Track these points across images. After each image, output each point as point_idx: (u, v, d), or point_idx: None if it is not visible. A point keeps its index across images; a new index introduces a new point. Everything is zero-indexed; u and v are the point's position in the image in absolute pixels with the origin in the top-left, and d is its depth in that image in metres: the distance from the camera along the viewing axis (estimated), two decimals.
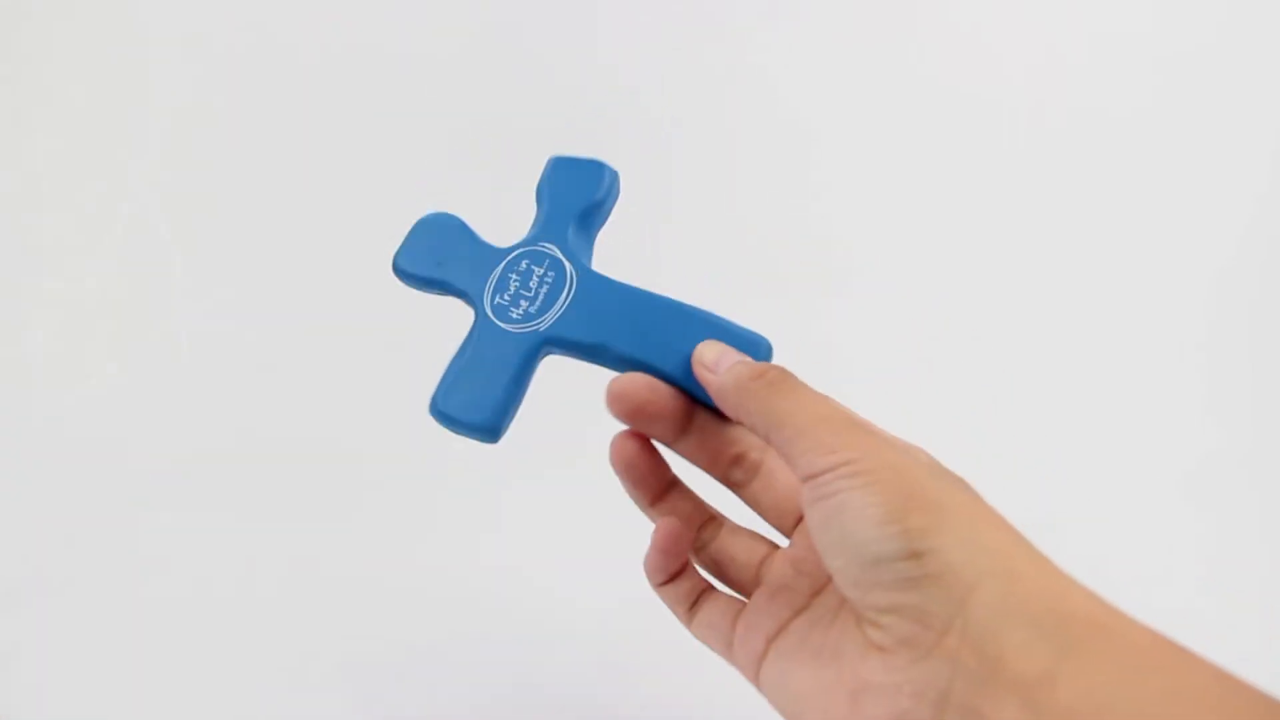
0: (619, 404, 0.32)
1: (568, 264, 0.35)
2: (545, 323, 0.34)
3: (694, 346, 0.32)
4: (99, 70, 0.83)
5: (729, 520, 0.35)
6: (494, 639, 0.50)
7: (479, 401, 0.33)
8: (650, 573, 0.33)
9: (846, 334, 0.75)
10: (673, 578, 0.33)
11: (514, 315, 0.34)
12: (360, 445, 0.68)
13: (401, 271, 0.36)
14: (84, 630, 0.52)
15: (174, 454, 0.69)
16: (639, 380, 0.32)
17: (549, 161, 0.37)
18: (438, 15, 0.83)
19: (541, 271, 0.35)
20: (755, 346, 0.32)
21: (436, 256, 0.36)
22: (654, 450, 0.34)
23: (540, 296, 0.34)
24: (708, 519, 0.34)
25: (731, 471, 0.33)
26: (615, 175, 0.36)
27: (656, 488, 0.34)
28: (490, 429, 0.33)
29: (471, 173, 0.79)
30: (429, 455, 0.65)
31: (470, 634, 0.50)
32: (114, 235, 0.80)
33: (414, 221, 0.37)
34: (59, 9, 0.83)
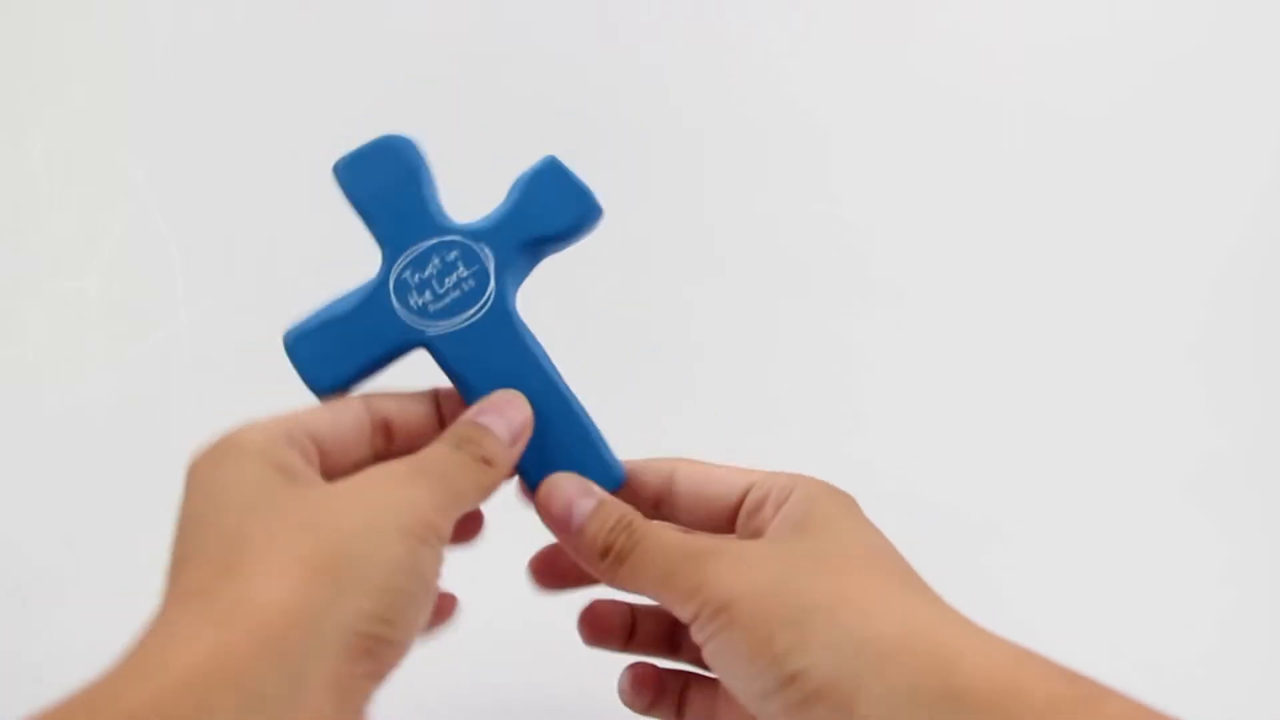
0: (586, 630, 0.34)
1: (492, 285, 0.32)
2: (435, 329, 0.31)
3: (553, 452, 0.31)
4: (99, 70, 0.83)
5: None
6: (482, 658, 0.50)
7: (328, 361, 0.32)
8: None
9: (864, 334, 0.75)
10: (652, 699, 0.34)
11: (411, 302, 0.32)
12: None
13: (339, 177, 0.33)
14: (84, 631, 0.52)
15: (174, 454, 0.69)
16: (606, 611, 0.34)
17: (546, 161, 0.33)
18: (455, 15, 0.83)
19: (464, 275, 0.32)
20: (607, 475, 0.32)
21: (377, 186, 0.33)
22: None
23: (447, 299, 0.32)
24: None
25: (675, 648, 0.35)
26: (598, 217, 0.33)
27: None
28: (321, 391, 0.32)
29: (480, 174, 0.79)
30: None
31: (456, 650, 0.50)
32: (114, 235, 0.80)
33: (381, 135, 0.33)
34: (60, 8, 0.83)
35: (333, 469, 0.29)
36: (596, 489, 0.31)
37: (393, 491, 0.26)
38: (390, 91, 0.82)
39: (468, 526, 0.33)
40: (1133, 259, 0.78)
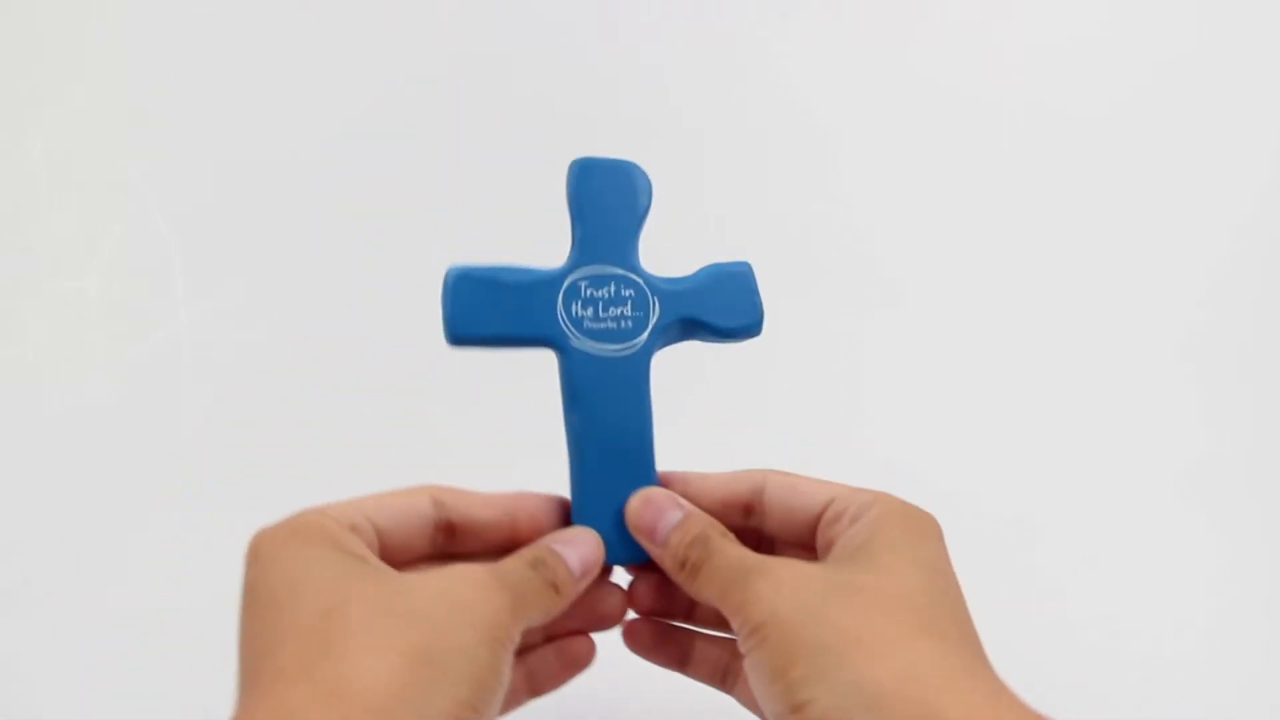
0: (633, 643, 0.35)
1: (645, 336, 0.34)
2: (578, 342, 0.33)
3: (611, 499, 0.33)
4: (99, 70, 0.83)
5: None
6: None
7: (475, 313, 0.32)
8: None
9: (863, 334, 0.75)
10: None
11: (573, 309, 0.33)
12: (362, 445, 0.68)
13: (576, 172, 0.34)
14: (85, 631, 0.52)
15: (174, 454, 0.69)
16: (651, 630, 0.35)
17: (742, 266, 0.35)
18: (456, 15, 0.83)
19: (628, 314, 0.34)
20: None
21: (604, 199, 0.34)
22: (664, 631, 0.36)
23: (603, 325, 0.33)
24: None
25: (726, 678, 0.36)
26: (755, 335, 0.35)
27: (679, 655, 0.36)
28: (454, 335, 0.32)
29: (480, 174, 0.79)
30: (433, 456, 0.65)
31: None
32: (114, 235, 0.80)
33: (629, 160, 0.35)
34: (60, 8, 0.83)
35: (390, 560, 0.30)
36: (685, 503, 0.33)
37: (477, 594, 0.27)
38: (390, 91, 0.82)
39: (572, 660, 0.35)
40: (1128, 260, 0.78)
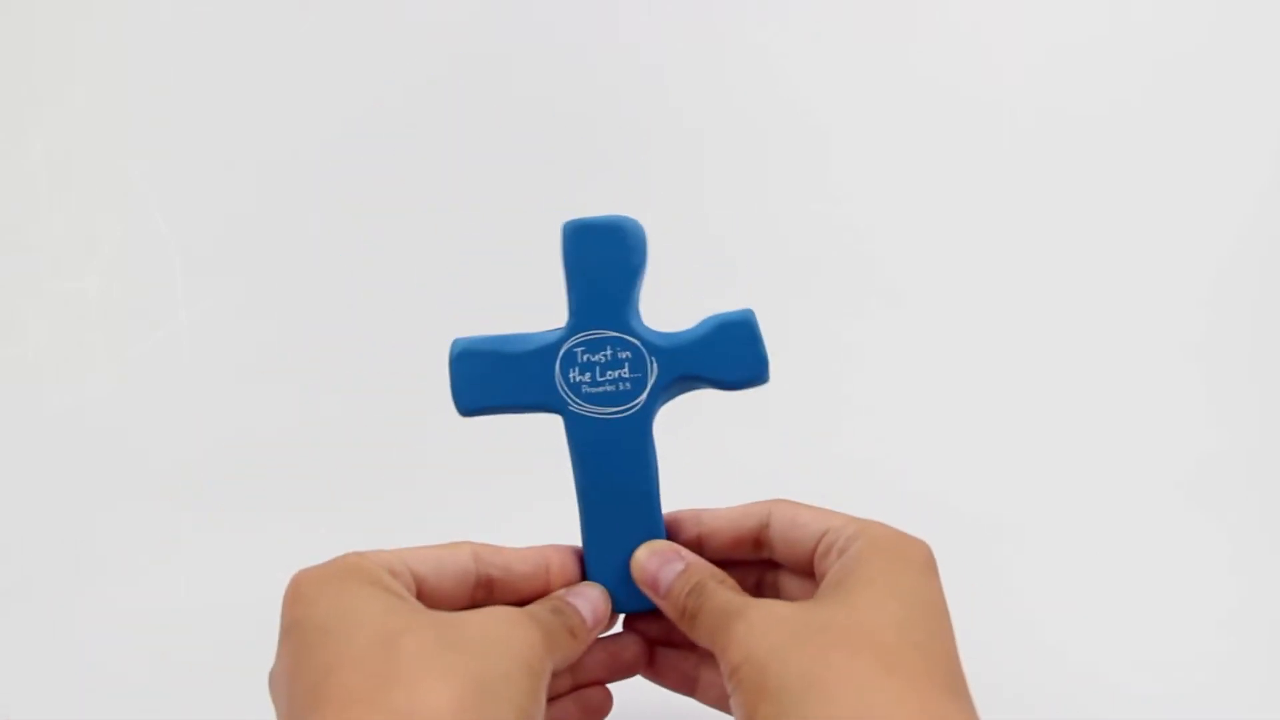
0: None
1: (643, 397, 0.34)
2: (577, 407, 0.33)
3: (618, 555, 0.34)
4: (99, 70, 0.83)
5: None
6: None
7: (478, 386, 0.33)
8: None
9: (864, 334, 0.75)
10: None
11: (570, 375, 0.33)
12: (362, 446, 0.68)
13: (567, 237, 0.34)
14: (85, 630, 0.52)
15: (173, 454, 0.69)
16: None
17: (743, 314, 0.34)
18: (456, 15, 0.83)
19: (626, 376, 0.34)
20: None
21: (596, 261, 0.34)
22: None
23: (601, 389, 0.34)
24: None
25: None
26: (762, 384, 0.34)
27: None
28: (461, 408, 0.33)
29: (481, 173, 0.80)
30: (433, 458, 0.65)
31: None
32: (114, 235, 0.80)
33: (621, 217, 0.34)
34: (60, 8, 0.83)
35: (427, 606, 0.32)
36: (686, 553, 0.34)
37: (516, 630, 0.29)
38: (390, 91, 0.82)
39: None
40: (1133, 259, 0.78)
